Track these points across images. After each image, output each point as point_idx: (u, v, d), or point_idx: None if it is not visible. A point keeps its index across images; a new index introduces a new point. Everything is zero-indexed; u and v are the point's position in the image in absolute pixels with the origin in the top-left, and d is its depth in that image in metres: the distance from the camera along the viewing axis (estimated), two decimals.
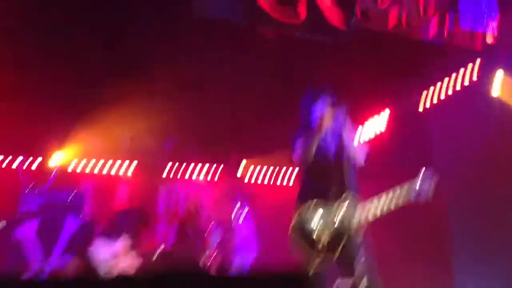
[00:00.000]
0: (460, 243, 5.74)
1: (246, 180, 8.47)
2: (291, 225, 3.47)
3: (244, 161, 8.41)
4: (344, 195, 3.40)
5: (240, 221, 5.88)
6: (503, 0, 5.31)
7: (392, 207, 3.40)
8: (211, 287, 1.18)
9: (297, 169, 3.82)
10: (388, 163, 6.22)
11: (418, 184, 3.42)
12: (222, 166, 8.36)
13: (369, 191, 3.54)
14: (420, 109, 6.44)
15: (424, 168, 3.46)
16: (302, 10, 4.65)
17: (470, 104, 5.70)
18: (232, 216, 5.81)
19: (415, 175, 3.49)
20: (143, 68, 5.52)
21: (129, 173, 7.86)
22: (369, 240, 3.13)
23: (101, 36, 5.01)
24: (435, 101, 6.24)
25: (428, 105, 6.33)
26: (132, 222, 5.36)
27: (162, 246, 6.60)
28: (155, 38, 5.03)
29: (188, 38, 5.09)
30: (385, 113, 6.95)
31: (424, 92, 6.28)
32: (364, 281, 3.03)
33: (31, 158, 7.08)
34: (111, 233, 4.95)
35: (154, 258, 5.17)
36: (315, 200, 3.44)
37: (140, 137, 7.10)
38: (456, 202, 5.71)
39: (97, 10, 4.68)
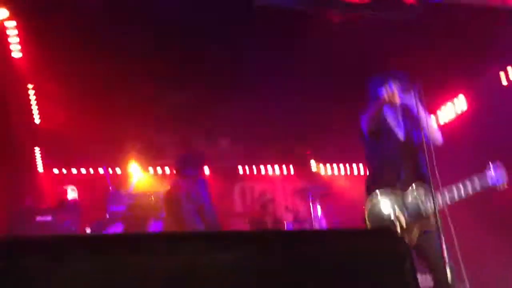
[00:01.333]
0: None
1: (319, 173, 8.40)
2: (365, 214, 3.33)
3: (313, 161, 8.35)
4: (417, 180, 3.21)
5: (318, 213, 5.82)
6: None
7: (468, 194, 3.16)
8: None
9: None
10: (471, 144, 5.81)
11: (492, 173, 3.16)
12: (295, 161, 8.35)
13: (448, 175, 3.29)
14: (504, 82, 5.94)
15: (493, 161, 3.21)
16: None
17: None
18: (308, 208, 5.76)
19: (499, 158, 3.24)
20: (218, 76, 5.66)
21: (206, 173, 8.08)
22: (449, 228, 2.89)
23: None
24: None
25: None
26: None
27: None
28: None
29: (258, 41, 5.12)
30: (464, 91, 6.50)
31: (506, 63, 5.78)
32: (445, 275, 2.79)
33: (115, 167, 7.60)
34: None
35: None
36: (386, 187, 3.28)
37: (213, 140, 7.30)
38: None
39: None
